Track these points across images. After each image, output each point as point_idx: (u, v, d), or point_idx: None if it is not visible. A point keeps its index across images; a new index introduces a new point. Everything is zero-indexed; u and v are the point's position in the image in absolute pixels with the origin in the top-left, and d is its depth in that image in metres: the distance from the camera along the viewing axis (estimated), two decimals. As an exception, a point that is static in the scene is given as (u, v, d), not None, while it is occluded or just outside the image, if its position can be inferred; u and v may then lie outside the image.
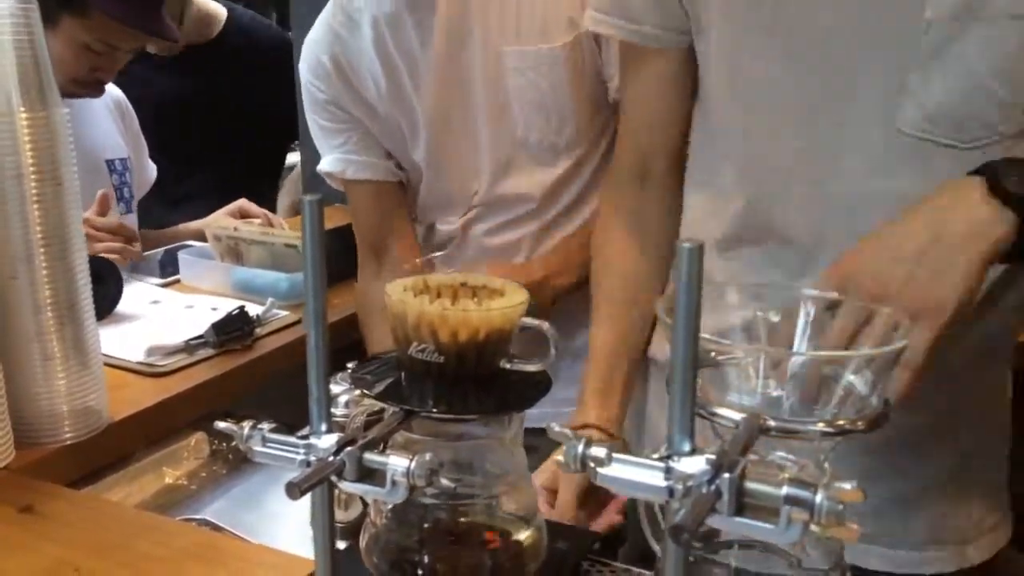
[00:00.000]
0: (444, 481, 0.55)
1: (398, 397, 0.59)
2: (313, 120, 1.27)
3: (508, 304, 0.60)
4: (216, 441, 1.16)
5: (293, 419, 1.24)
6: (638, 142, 0.92)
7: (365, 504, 0.71)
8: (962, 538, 0.86)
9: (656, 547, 0.57)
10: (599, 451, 0.45)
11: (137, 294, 1.45)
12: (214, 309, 1.38)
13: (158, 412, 1.10)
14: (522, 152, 1.17)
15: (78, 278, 0.98)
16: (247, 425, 0.54)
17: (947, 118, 0.72)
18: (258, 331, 1.30)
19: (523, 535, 0.65)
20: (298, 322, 1.36)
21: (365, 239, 1.32)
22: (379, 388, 0.61)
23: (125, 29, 1.42)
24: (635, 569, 0.71)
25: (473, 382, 0.60)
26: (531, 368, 0.61)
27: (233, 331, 1.26)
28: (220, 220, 1.62)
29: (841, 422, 0.51)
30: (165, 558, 0.80)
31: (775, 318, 0.59)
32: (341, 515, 0.98)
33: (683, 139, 0.89)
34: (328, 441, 0.51)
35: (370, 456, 0.51)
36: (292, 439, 0.52)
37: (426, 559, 0.63)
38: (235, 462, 1.15)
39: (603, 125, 1.17)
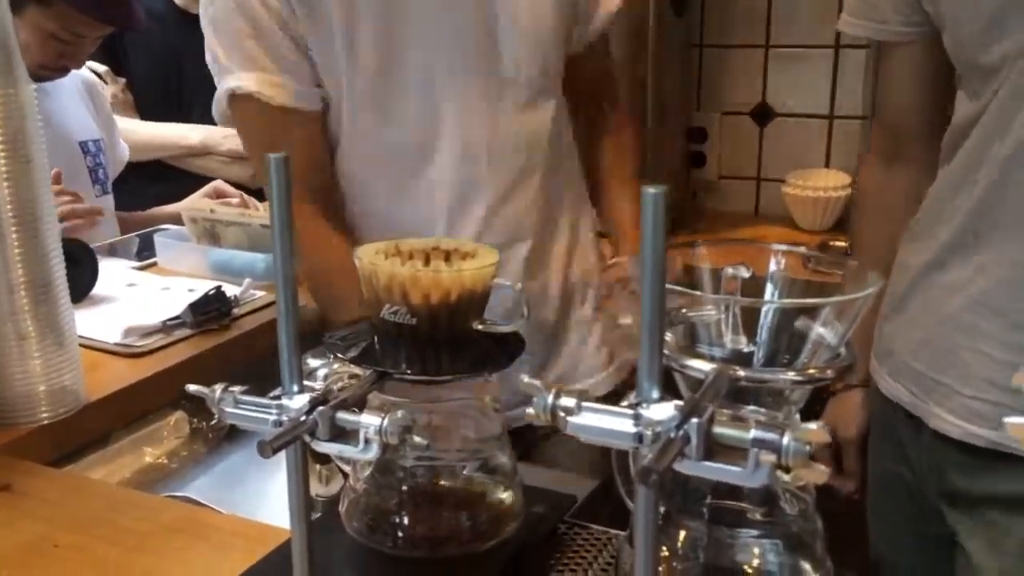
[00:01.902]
0: (417, 439, 0.55)
1: (371, 360, 0.59)
2: (233, 25, 1.01)
3: (479, 265, 0.60)
4: (196, 420, 1.15)
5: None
6: (891, 125, 1.04)
7: (346, 477, 0.71)
8: None
9: (630, 504, 0.58)
10: (568, 401, 0.45)
11: (113, 277, 1.43)
12: (191, 290, 1.37)
13: (136, 392, 1.10)
14: (510, 92, 1.05)
15: (51, 256, 0.97)
16: (219, 388, 0.54)
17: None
18: (236, 311, 1.29)
19: (501, 497, 0.66)
20: (275, 302, 1.35)
21: (308, 182, 1.04)
22: (352, 352, 0.61)
23: (87, 19, 1.41)
24: (611, 531, 0.72)
25: (446, 344, 0.60)
26: (504, 330, 0.61)
27: (210, 311, 1.26)
28: (196, 202, 1.61)
29: (811, 371, 0.51)
30: (146, 532, 0.80)
31: (746, 273, 0.59)
32: (322, 489, 0.98)
33: (936, 123, 0.97)
34: (300, 401, 0.51)
35: (343, 415, 0.51)
36: (264, 400, 0.52)
37: (405, 521, 0.64)
38: (215, 441, 1.15)
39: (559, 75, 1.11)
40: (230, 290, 1.34)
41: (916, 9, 0.92)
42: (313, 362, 0.71)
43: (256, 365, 1.28)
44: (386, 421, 0.50)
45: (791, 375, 0.51)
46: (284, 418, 0.51)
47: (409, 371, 0.58)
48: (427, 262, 0.65)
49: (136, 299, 1.36)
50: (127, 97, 2.05)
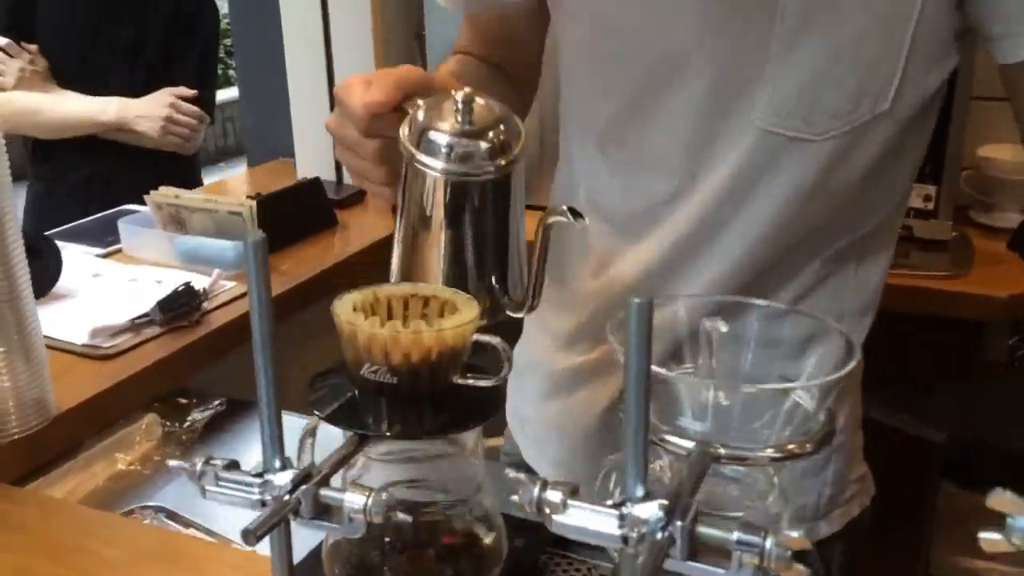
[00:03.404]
0: (402, 515, 0.55)
1: (352, 420, 0.58)
2: None
3: (461, 322, 0.59)
4: (168, 423, 1.15)
5: (244, 393, 1.23)
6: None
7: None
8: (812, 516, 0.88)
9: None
10: (555, 495, 0.45)
11: (77, 267, 1.41)
12: (159, 282, 1.35)
13: (107, 398, 1.09)
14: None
15: (13, 259, 0.95)
16: (199, 461, 0.53)
17: (797, 109, 0.72)
18: (205, 306, 1.28)
19: (485, 540, 0.66)
20: (246, 294, 1.34)
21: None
22: (333, 407, 0.61)
23: None
24: (591, 561, 0.73)
25: (427, 400, 0.60)
26: (485, 384, 0.61)
27: (179, 307, 1.24)
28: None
29: (790, 446, 0.52)
30: (122, 560, 0.80)
31: (724, 328, 0.60)
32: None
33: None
34: (283, 479, 0.51)
35: (326, 492, 0.51)
36: (247, 478, 0.52)
37: (388, 569, 0.64)
38: (188, 443, 1.14)
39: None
40: (199, 281, 1.33)
41: None
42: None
43: (227, 362, 1.28)
44: (370, 501, 0.50)
45: (770, 452, 0.51)
46: (268, 496, 0.51)
47: (390, 432, 0.58)
48: (406, 312, 0.64)
49: (102, 292, 1.34)
50: (39, 67, 1.92)
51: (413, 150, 0.66)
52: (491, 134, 0.66)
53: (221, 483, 0.52)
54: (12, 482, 0.97)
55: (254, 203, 1.43)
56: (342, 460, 0.55)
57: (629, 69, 0.80)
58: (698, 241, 0.80)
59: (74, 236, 1.54)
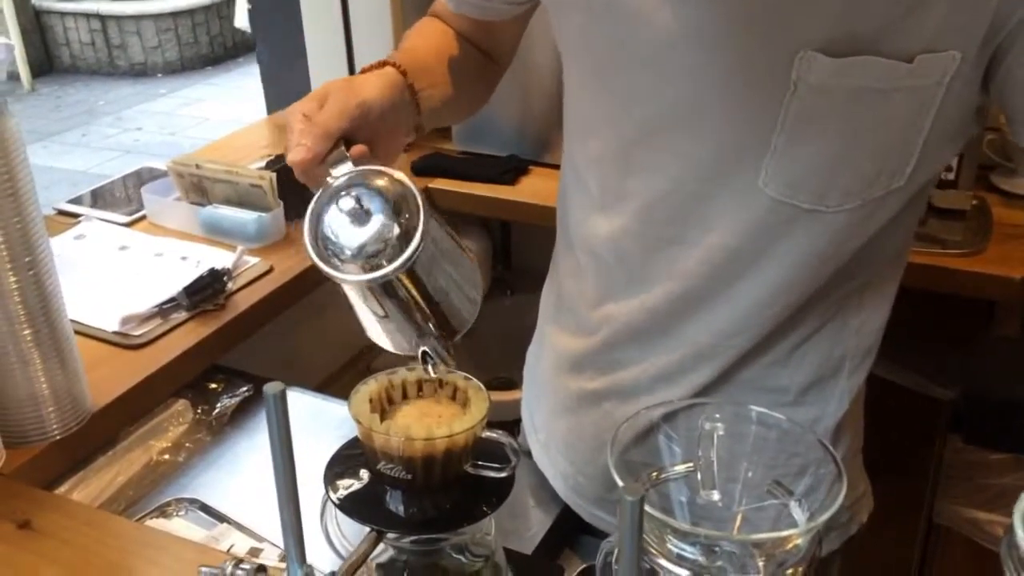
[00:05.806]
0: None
1: (369, 514, 0.63)
2: None
3: (472, 424, 0.63)
4: (198, 409, 1.20)
5: (270, 371, 1.28)
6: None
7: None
8: None
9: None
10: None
11: (105, 239, 1.44)
12: (184, 259, 1.39)
13: (140, 390, 1.14)
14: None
15: (47, 288, 0.99)
16: (229, 564, 0.58)
17: (809, 184, 0.73)
18: (230, 286, 1.32)
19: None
20: (269, 271, 1.37)
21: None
22: (350, 490, 0.65)
23: None
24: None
25: (440, 489, 0.64)
26: (495, 475, 0.65)
27: (205, 291, 1.28)
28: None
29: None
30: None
31: (721, 431, 0.63)
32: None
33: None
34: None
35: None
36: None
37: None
38: (218, 427, 1.20)
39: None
40: (222, 258, 1.36)
41: None
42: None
43: (253, 341, 1.33)
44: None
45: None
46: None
47: (407, 527, 0.63)
48: (420, 390, 0.68)
49: (128, 268, 1.38)
50: None
51: (325, 268, 0.66)
52: (391, 227, 0.65)
53: (251, 591, 0.57)
54: (51, 480, 1.03)
55: (273, 175, 1.45)
56: (362, 552, 0.60)
57: (630, 112, 0.79)
58: (699, 295, 0.81)
59: (102, 203, 1.57)
